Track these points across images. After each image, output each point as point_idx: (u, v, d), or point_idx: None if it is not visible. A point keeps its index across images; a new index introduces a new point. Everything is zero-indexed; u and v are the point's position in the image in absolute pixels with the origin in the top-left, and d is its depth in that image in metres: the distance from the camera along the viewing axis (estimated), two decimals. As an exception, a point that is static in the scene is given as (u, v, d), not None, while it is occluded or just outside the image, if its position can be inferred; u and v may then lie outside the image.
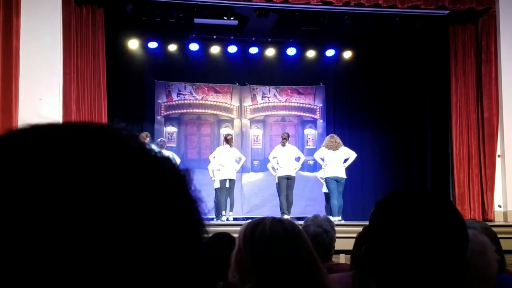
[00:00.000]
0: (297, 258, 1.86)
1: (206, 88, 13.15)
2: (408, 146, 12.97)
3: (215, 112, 13.17)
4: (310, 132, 13.45)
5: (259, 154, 13.11)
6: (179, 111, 13.04)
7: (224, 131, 12.64)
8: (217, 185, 10.51)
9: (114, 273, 0.44)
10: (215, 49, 12.62)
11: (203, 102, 13.13)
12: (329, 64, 13.18)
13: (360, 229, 2.90)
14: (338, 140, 10.18)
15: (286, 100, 13.42)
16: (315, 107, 13.46)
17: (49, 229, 0.43)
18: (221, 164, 10.40)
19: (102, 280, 0.44)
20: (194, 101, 13.10)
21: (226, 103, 13.20)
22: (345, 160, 10.12)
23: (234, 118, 13.24)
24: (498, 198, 10.01)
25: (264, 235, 1.89)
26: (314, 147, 12.97)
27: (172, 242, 0.48)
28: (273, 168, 10.63)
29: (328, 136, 10.57)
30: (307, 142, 13.38)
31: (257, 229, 1.92)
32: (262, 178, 12.60)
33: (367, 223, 1.32)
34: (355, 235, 2.97)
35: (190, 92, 13.09)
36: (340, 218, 9.67)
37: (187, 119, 13.12)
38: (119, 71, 11.52)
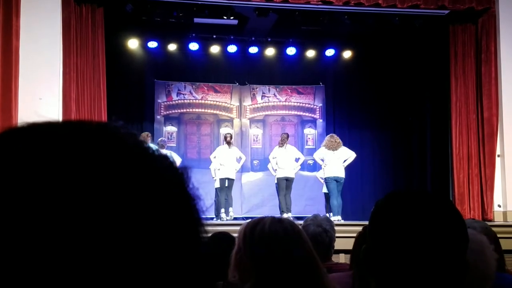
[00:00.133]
0: (297, 258, 1.86)
1: (206, 88, 13.15)
2: (408, 146, 12.98)
3: (215, 111, 13.17)
4: (309, 132, 13.45)
5: (258, 153, 13.11)
6: (179, 110, 13.04)
7: (224, 130, 12.64)
8: (217, 184, 10.53)
9: (111, 272, 0.44)
10: (215, 49, 12.62)
11: (203, 101, 13.13)
12: (329, 64, 13.18)
13: (360, 228, 2.91)
14: (338, 140, 10.18)
15: (285, 99, 13.42)
16: (314, 106, 13.46)
17: (45, 228, 0.43)
18: (221, 164, 10.41)
19: (100, 279, 0.44)
20: (194, 101, 13.10)
21: (226, 102, 13.20)
22: (345, 160, 10.12)
23: (234, 118, 13.24)
24: (497, 198, 10.01)
25: (264, 234, 1.89)
26: (314, 146, 12.97)
27: (170, 241, 0.47)
28: (273, 168, 10.63)
29: (328, 136, 10.56)
30: (306, 141, 13.38)
31: (257, 228, 1.92)
32: (262, 178, 12.60)
33: (367, 223, 1.32)
34: (355, 235, 2.97)
35: (190, 91, 13.09)
36: (339, 217, 9.67)
37: (187, 118, 13.12)
38: (119, 70, 11.52)
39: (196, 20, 11.29)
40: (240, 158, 10.80)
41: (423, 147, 12.41)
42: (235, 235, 2.11)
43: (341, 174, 10.01)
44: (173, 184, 0.50)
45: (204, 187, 10.27)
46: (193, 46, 12.37)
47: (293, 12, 10.56)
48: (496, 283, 2.00)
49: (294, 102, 13.42)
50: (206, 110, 13.16)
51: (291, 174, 10.32)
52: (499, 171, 10.06)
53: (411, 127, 12.86)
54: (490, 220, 9.55)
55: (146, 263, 0.46)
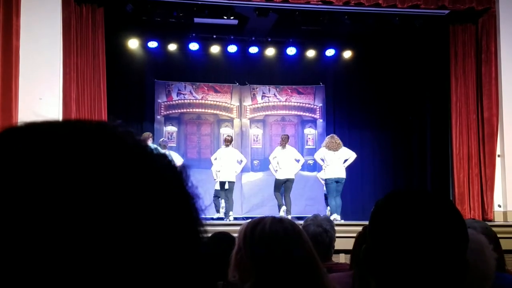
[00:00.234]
0: (297, 258, 1.86)
1: (206, 88, 13.15)
2: (408, 146, 12.98)
3: (215, 111, 13.17)
4: (310, 132, 13.44)
5: (259, 153, 13.11)
6: (179, 110, 13.03)
7: (224, 130, 12.64)
8: (217, 186, 10.54)
9: (110, 271, 0.44)
10: (215, 49, 12.61)
11: (203, 101, 13.13)
12: (329, 64, 13.17)
13: (360, 228, 2.91)
14: (339, 140, 10.19)
15: (286, 99, 13.42)
16: (315, 106, 13.45)
17: (40, 227, 0.43)
18: (221, 165, 10.41)
19: (100, 278, 0.44)
20: (194, 101, 13.10)
21: (226, 102, 13.19)
22: (345, 161, 10.14)
23: (234, 118, 13.23)
24: (498, 198, 10.01)
25: (264, 234, 1.89)
26: (314, 146, 12.97)
27: (169, 240, 0.47)
28: (274, 169, 10.62)
29: (328, 136, 10.55)
30: (307, 141, 13.38)
31: (257, 228, 1.92)
32: (262, 178, 12.60)
33: (367, 223, 1.32)
34: (355, 234, 2.97)
35: (190, 91, 13.08)
36: (337, 217, 9.68)
37: (187, 118, 13.12)
38: (119, 70, 11.52)
39: (196, 20, 11.29)
40: (241, 160, 10.77)
41: (423, 147, 12.41)
42: (235, 235, 2.11)
43: (342, 174, 10.03)
44: (172, 183, 0.50)
45: (204, 187, 10.35)
46: (193, 46, 12.37)
47: (293, 12, 10.56)
48: (496, 283, 2.00)
49: (294, 102, 13.42)
50: (206, 110, 13.16)
51: (291, 175, 10.32)
52: (499, 171, 10.06)
53: (411, 127, 12.86)
54: (490, 220, 9.56)
55: (144, 262, 0.46)
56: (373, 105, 13.05)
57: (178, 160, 9.83)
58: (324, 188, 10.74)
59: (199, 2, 10.19)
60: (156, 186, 0.48)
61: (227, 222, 9.62)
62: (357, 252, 2.78)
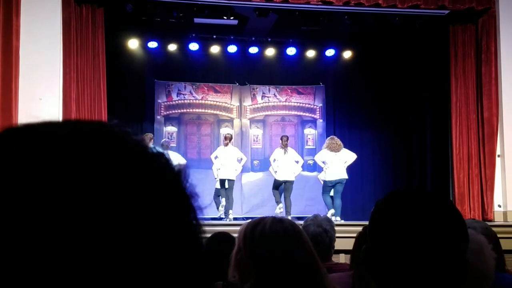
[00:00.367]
0: (297, 258, 1.86)
1: (206, 88, 13.15)
2: (408, 146, 12.97)
3: (215, 112, 13.17)
4: (310, 132, 13.44)
5: (259, 154, 13.11)
6: (179, 111, 13.03)
7: (224, 131, 12.64)
8: (217, 185, 10.54)
9: (105, 271, 0.44)
10: (215, 49, 12.61)
11: (203, 102, 13.13)
12: (329, 64, 13.17)
13: (360, 229, 2.91)
14: (339, 142, 10.21)
15: (286, 100, 13.42)
16: (315, 107, 13.45)
17: (39, 227, 0.43)
18: (221, 164, 10.40)
19: (98, 278, 0.44)
20: (194, 101, 13.10)
21: (226, 103, 13.19)
22: (345, 162, 10.16)
23: (234, 118, 13.23)
24: (498, 198, 10.01)
25: (264, 234, 1.89)
26: (314, 147, 12.97)
27: (167, 239, 0.47)
28: (274, 171, 10.61)
29: (328, 138, 10.56)
30: (307, 142, 13.38)
31: (257, 228, 1.92)
32: (262, 178, 12.60)
33: (367, 223, 1.32)
34: (355, 235, 2.97)
35: (190, 92, 13.08)
36: (333, 211, 9.70)
37: (187, 119, 13.12)
38: (119, 71, 11.52)
39: (196, 20, 11.29)
40: (241, 159, 10.78)
41: (423, 147, 12.41)
42: (235, 235, 2.11)
43: (343, 175, 10.05)
44: (170, 182, 0.50)
45: (204, 187, 10.34)
46: (193, 46, 12.36)
47: (293, 12, 10.56)
48: (496, 283, 2.00)
49: (294, 102, 13.42)
50: (206, 110, 13.16)
51: (290, 177, 10.31)
52: (499, 171, 10.06)
53: (411, 127, 12.86)
54: (490, 220, 9.55)
55: (141, 262, 0.46)
56: (373, 105, 13.05)
57: (180, 160, 9.83)
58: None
59: (199, 2, 10.19)
60: (154, 186, 0.48)
61: (227, 222, 9.62)
62: (357, 252, 2.78)
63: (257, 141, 13.31)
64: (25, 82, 8.60)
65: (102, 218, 0.45)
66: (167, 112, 12.99)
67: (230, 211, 10.24)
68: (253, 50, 12.67)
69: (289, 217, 8.83)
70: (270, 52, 12.81)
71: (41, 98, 8.66)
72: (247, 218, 8.05)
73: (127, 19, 10.81)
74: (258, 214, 10.25)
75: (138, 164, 0.48)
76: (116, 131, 0.50)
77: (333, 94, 13.43)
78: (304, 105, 13.42)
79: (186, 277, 0.49)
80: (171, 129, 12.96)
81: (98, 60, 9.74)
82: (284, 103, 13.41)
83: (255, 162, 13.01)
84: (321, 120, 13.42)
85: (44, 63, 8.84)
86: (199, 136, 13.10)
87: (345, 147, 10.31)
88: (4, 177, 0.45)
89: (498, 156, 10.08)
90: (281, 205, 10.13)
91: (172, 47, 12.43)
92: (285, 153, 10.44)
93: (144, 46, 12.36)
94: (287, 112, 13.44)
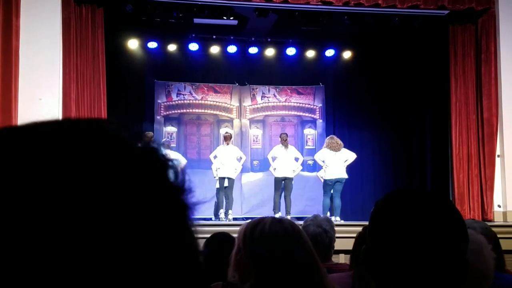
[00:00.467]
0: (297, 258, 1.86)
1: (205, 88, 13.15)
2: (408, 146, 12.98)
3: (214, 112, 13.17)
4: (309, 132, 13.45)
5: (258, 154, 13.11)
6: (179, 111, 13.03)
7: (223, 131, 12.63)
8: (217, 184, 10.53)
9: (90, 270, 0.44)
10: (214, 49, 12.61)
11: (203, 102, 13.13)
12: (328, 64, 13.17)
13: (359, 229, 2.91)
14: (339, 141, 10.22)
15: (285, 100, 13.42)
16: (314, 107, 13.46)
17: (31, 227, 0.43)
18: (221, 163, 10.40)
19: (87, 277, 0.44)
20: (194, 101, 13.10)
21: (225, 103, 13.19)
22: (345, 161, 10.17)
23: (234, 118, 13.24)
24: (497, 198, 10.01)
25: (264, 234, 1.89)
26: (314, 147, 12.97)
27: (159, 239, 0.47)
28: (273, 168, 10.61)
29: (328, 137, 10.57)
30: (306, 142, 13.38)
31: (257, 229, 1.92)
32: (262, 178, 12.60)
33: (367, 223, 1.32)
34: (354, 235, 2.97)
35: (190, 92, 13.08)
36: (329, 215, 9.71)
37: (186, 119, 13.12)
38: (118, 71, 11.51)
39: (196, 20, 11.29)
40: (241, 158, 10.79)
41: (423, 147, 12.42)
42: (235, 235, 2.11)
43: (343, 175, 10.06)
44: (163, 178, 0.50)
45: (204, 187, 10.33)
46: (193, 47, 12.37)
47: (292, 12, 10.56)
48: (495, 283, 2.00)
49: (294, 103, 13.42)
50: (206, 111, 13.16)
51: (289, 174, 10.31)
52: (499, 171, 10.07)
53: (411, 127, 12.86)
54: (490, 221, 9.56)
55: (133, 261, 0.45)
56: (373, 106, 13.05)
57: (181, 160, 9.84)
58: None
59: (199, 3, 10.19)
60: (146, 184, 0.48)
61: (227, 222, 9.61)
62: (357, 253, 2.78)
63: (256, 141, 13.31)
64: (25, 82, 8.60)
65: (92, 216, 0.44)
66: (167, 112, 12.99)
67: (230, 211, 10.24)
68: (253, 50, 12.67)
69: (289, 217, 8.83)
70: (270, 52, 12.81)
71: (41, 98, 8.66)
72: (247, 218, 8.04)
73: (127, 19, 10.81)
74: (258, 214, 10.25)
75: (131, 163, 0.48)
76: (113, 130, 0.50)
77: (332, 94, 13.44)
78: (303, 105, 13.43)
79: (180, 277, 0.49)
80: (170, 129, 12.96)
81: (98, 60, 9.74)
82: (283, 103, 13.41)
83: (255, 162, 13.01)
84: (320, 120, 13.43)
85: (43, 63, 8.84)
86: (198, 136, 13.10)
87: (345, 147, 10.32)
88: (3, 177, 0.45)
89: (498, 156, 10.08)
90: (279, 214, 10.08)
91: (172, 47, 12.43)
92: (285, 149, 10.45)
93: (144, 46, 12.36)
94: (286, 112, 13.44)
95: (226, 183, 10.37)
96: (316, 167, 12.11)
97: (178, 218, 0.49)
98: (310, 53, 12.93)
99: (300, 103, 13.42)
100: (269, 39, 12.58)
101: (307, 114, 13.45)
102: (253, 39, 12.52)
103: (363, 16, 10.61)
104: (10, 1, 8.61)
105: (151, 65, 12.66)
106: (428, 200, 1.25)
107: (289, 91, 13.42)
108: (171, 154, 0.54)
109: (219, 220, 10.03)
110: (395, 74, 12.68)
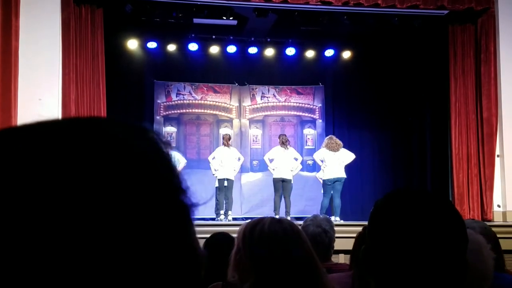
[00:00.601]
0: (296, 258, 1.86)
1: (205, 88, 13.15)
2: (407, 146, 12.98)
3: (214, 112, 13.17)
4: (309, 132, 13.45)
5: (258, 154, 13.10)
6: (178, 111, 13.03)
7: (223, 131, 12.63)
8: (216, 183, 10.54)
9: (87, 271, 0.44)
10: (214, 49, 12.61)
11: (202, 102, 13.12)
12: (328, 64, 13.17)
13: (359, 229, 2.91)
14: (338, 141, 10.23)
15: (285, 100, 13.42)
16: (314, 107, 13.46)
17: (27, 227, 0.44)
18: (220, 164, 10.41)
19: (85, 276, 0.44)
20: (193, 101, 13.10)
21: (225, 103, 13.19)
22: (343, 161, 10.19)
23: (233, 118, 13.23)
24: (497, 198, 10.01)
25: (263, 235, 1.89)
26: (314, 147, 12.96)
27: (161, 239, 0.47)
28: (272, 168, 10.62)
29: (327, 137, 10.59)
30: (306, 142, 13.38)
31: (256, 229, 1.92)
32: (261, 178, 12.59)
33: (366, 223, 1.32)
34: (354, 235, 2.97)
35: (189, 92, 13.08)
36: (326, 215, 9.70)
37: (186, 119, 13.12)
38: (118, 71, 11.51)
39: (196, 20, 11.29)
40: (239, 158, 10.80)
41: (423, 147, 12.42)
42: (235, 235, 2.11)
43: (342, 174, 10.06)
44: (163, 179, 0.50)
45: (204, 187, 10.33)
46: (193, 47, 12.36)
47: (292, 12, 10.56)
48: (495, 283, 2.00)
49: (294, 103, 13.42)
50: (205, 111, 13.15)
51: (287, 176, 10.30)
52: (499, 171, 10.07)
53: (411, 127, 12.87)
54: (490, 220, 9.56)
55: (133, 261, 0.45)
56: (373, 106, 13.04)
57: (181, 160, 9.84)
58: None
59: (198, 3, 10.19)
60: (148, 185, 0.48)
61: (226, 222, 9.62)
62: (357, 253, 2.78)
63: (256, 141, 13.31)
64: (25, 82, 8.60)
65: (91, 217, 0.44)
66: (167, 113, 12.99)
67: (230, 212, 10.25)
68: (253, 50, 12.67)
69: (289, 217, 8.84)
70: (269, 52, 12.81)
71: (41, 98, 8.66)
72: (247, 219, 8.04)
73: (126, 19, 10.81)
74: (258, 214, 10.26)
75: (130, 163, 0.48)
76: (112, 129, 0.50)
77: (332, 94, 13.43)
78: (303, 105, 13.43)
79: (180, 277, 0.49)
80: (170, 129, 12.96)
81: (98, 60, 9.74)
82: (283, 103, 13.41)
83: (255, 162, 13.01)
84: (320, 120, 13.42)
85: (43, 63, 8.84)
86: (198, 137, 13.10)
87: (344, 147, 10.33)
88: (3, 178, 0.45)
89: (498, 156, 10.08)
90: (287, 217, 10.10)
91: (172, 48, 12.42)
92: (284, 151, 10.45)
93: (143, 46, 12.36)
94: (286, 112, 13.45)
95: (225, 184, 10.39)
96: (315, 167, 12.11)
97: (178, 219, 0.49)
98: (310, 53, 12.93)
99: (299, 103, 13.42)
100: (268, 39, 12.58)
101: (306, 114, 13.45)
102: (252, 39, 12.52)
103: (363, 16, 10.61)
104: (10, 2, 8.61)
105: (150, 65, 12.66)
106: (427, 200, 1.25)
107: (288, 91, 13.42)
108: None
109: (219, 220, 10.03)
110: (394, 74, 12.68)
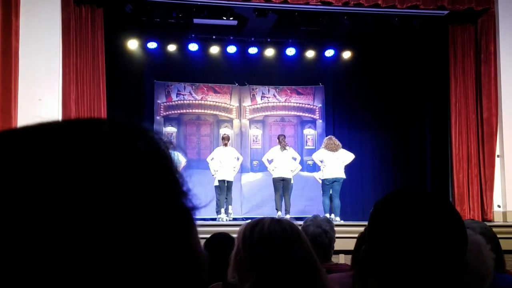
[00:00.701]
0: (296, 258, 1.86)
1: (205, 88, 13.15)
2: (407, 146, 12.98)
3: (214, 112, 13.17)
4: (309, 132, 13.45)
5: (258, 154, 13.10)
6: (179, 111, 13.03)
7: (223, 131, 12.64)
8: (216, 183, 10.56)
9: (85, 272, 0.44)
10: (214, 49, 12.61)
11: (203, 102, 13.12)
12: (328, 64, 13.17)
13: (359, 229, 2.91)
14: (337, 142, 10.25)
15: (285, 100, 13.42)
16: (314, 107, 13.46)
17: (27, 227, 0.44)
18: (220, 165, 10.43)
19: (85, 276, 0.44)
20: (194, 101, 13.10)
21: (225, 103, 13.19)
22: (343, 161, 10.20)
23: (234, 118, 13.23)
24: (497, 198, 10.01)
25: (263, 235, 1.89)
26: (314, 147, 12.96)
27: (161, 241, 0.47)
28: (271, 169, 10.63)
29: (326, 138, 10.62)
30: (306, 142, 13.38)
31: (256, 229, 1.92)
32: (262, 178, 12.59)
33: (366, 223, 1.32)
34: (354, 235, 2.97)
35: (190, 92, 13.08)
36: (333, 216, 9.72)
37: (186, 119, 13.12)
38: (118, 71, 11.51)
39: (196, 20, 11.29)
40: (238, 158, 10.81)
41: (423, 147, 12.42)
42: (235, 235, 2.11)
43: (341, 174, 10.07)
44: (163, 181, 0.50)
45: (204, 188, 10.34)
46: (193, 47, 12.36)
47: (292, 12, 10.56)
48: (495, 283, 2.00)
49: (294, 103, 13.42)
50: (205, 111, 13.15)
51: (287, 175, 10.33)
52: (499, 172, 10.07)
53: (411, 127, 12.87)
54: (490, 221, 9.56)
55: (133, 263, 0.45)
56: (373, 106, 13.04)
57: (181, 160, 9.83)
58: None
59: (199, 3, 10.19)
60: (149, 187, 0.48)
61: (227, 222, 9.62)
62: (358, 253, 2.78)
63: (256, 141, 13.31)
64: (25, 82, 8.60)
65: (91, 219, 0.44)
66: (167, 113, 12.99)
67: (230, 207, 10.37)
68: (253, 50, 12.67)
69: (288, 217, 8.84)
70: (269, 52, 12.81)
71: (41, 98, 8.66)
72: (247, 219, 8.05)
73: (126, 19, 10.81)
74: (258, 214, 10.27)
75: (130, 165, 0.48)
76: (112, 130, 0.50)
77: (332, 95, 13.43)
78: (303, 105, 13.43)
79: (180, 278, 0.49)
80: (170, 129, 12.96)
81: (98, 60, 9.74)
82: (283, 104, 13.41)
83: (255, 162, 13.01)
84: (320, 121, 13.42)
85: (43, 63, 8.84)
86: (198, 137, 13.10)
87: (344, 147, 10.34)
88: (3, 179, 0.45)
89: (498, 156, 10.08)
90: (279, 213, 10.10)
91: (172, 48, 12.42)
92: (282, 151, 10.47)
93: (143, 46, 12.36)
94: (286, 112, 13.45)
95: (225, 184, 10.41)
96: (315, 167, 12.12)
97: (178, 221, 0.49)
98: (310, 53, 12.93)
99: (299, 103, 13.42)
100: (268, 39, 12.58)
101: (306, 114, 13.45)
102: (252, 39, 12.52)
103: (363, 16, 10.61)
104: (10, 2, 8.61)
105: (150, 65, 12.66)
106: (427, 200, 1.25)
107: (288, 91, 13.42)
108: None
109: (220, 220, 10.04)
110: (394, 74, 12.68)
